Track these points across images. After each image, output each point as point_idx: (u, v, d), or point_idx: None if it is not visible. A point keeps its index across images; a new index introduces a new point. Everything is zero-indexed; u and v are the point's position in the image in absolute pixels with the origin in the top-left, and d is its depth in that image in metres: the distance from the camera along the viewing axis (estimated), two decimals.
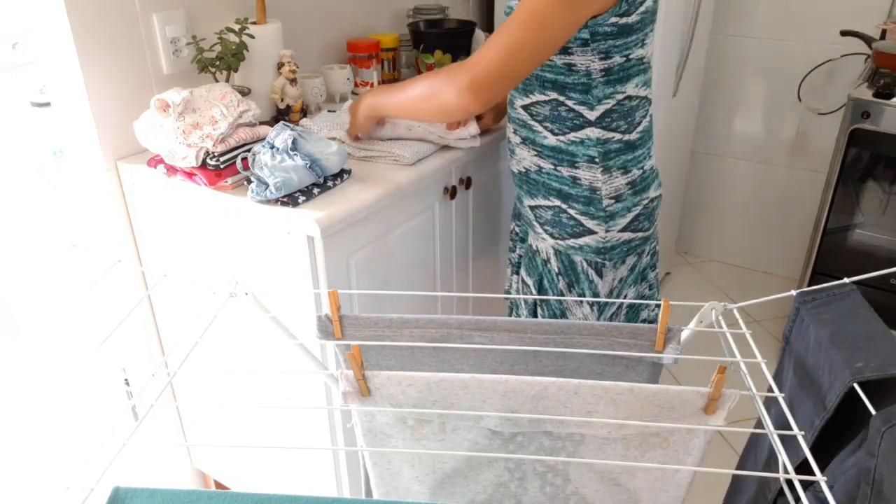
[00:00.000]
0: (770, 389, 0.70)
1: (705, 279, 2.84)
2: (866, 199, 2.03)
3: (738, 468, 0.92)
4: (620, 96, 1.11)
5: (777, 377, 0.85)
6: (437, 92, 1.08)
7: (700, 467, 0.72)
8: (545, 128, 1.16)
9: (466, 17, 2.17)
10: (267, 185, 1.12)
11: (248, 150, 1.19)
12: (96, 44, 1.24)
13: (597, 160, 1.14)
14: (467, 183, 1.48)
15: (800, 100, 2.50)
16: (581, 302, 1.24)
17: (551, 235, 1.22)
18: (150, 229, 1.36)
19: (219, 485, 1.69)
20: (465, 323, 0.82)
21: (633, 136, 1.15)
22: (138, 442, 0.65)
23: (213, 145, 1.16)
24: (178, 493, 0.55)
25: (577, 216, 1.18)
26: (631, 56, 1.09)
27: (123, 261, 1.40)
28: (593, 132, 1.13)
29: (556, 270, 1.24)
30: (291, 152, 1.13)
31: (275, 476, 1.53)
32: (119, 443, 0.63)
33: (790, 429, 0.62)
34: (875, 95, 1.87)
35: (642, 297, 1.30)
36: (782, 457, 0.61)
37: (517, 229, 1.39)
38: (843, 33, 2.22)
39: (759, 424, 0.68)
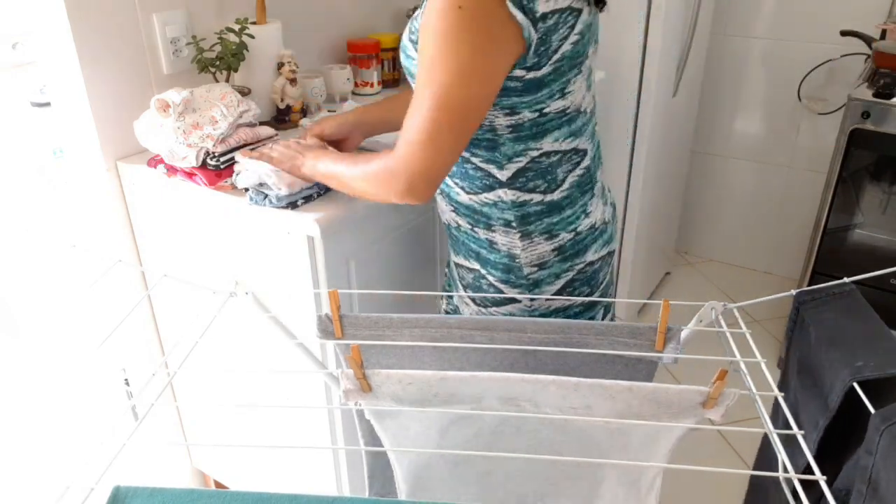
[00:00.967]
0: (779, 389, 0.70)
1: (705, 279, 2.84)
2: (866, 199, 2.03)
3: (754, 469, 0.92)
4: (535, 153, 0.96)
5: (783, 378, 0.86)
6: (378, 194, 0.94)
7: (699, 466, 0.72)
8: (455, 184, 1.03)
9: None
10: (266, 195, 1.11)
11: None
12: (96, 44, 1.24)
13: (514, 224, 1.00)
14: None
15: (800, 100, 2.50)
16: None
17: (473, 301, 1.09)
18: (150, 229, 1.37)
19: (219, 484, 1.69)
20: (465, 322, 0.82)
21: (557, 195, 0.99)
22: (138, 442, 0.65)
23: (214, 145, 1.16)
24: (179, 492, 0.55)
25: (497, 283, 1.04)
26: (546, 111, 0.93)
27: (123, 261, 1.40)
28: (506, 194, 0.98)
29: None
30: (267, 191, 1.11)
31: (275, 475, 1.53)
32: (119, 443, 0.63)
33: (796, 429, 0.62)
34: (875, 95, 1.87)
35: None
36: (782, 456, 0.61)
37: (447, 278, 1.24)
38: (843, 33, 2.22)
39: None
